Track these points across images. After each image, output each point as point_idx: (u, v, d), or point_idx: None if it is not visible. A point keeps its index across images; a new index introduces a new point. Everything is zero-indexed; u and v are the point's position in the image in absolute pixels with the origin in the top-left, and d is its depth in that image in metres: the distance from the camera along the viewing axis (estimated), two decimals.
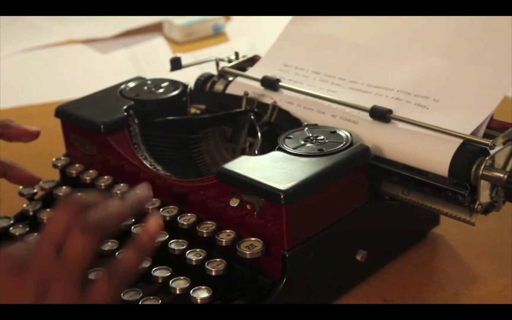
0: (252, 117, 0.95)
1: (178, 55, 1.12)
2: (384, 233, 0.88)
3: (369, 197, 0.85)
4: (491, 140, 0.80)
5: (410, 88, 0.89)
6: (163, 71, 1.12)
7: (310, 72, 0.98)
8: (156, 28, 1.69)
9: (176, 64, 1.07)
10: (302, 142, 0.84)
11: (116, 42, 1.62)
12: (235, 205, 0.79)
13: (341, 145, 0.82)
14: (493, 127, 0.85)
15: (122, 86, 1.02)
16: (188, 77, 1.08)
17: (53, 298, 0.64)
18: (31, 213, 0.92)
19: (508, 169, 0.81)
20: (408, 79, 0.90)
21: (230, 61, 1.07)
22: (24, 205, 0.94)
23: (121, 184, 0.92)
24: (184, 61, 1.08)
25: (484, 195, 0.80)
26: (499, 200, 0.82)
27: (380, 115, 0.87)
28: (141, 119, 0.96)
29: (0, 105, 1.38)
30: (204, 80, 1.05)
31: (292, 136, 0.85)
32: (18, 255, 0.66)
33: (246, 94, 0.97)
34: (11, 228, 0.90)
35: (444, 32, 0.92)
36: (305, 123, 0.90)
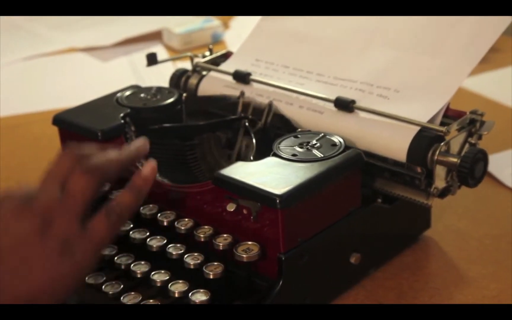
0: (247, 124, 0.97)
1: (178, 63, 1.14)
2: (377, 236, 0.91)
3: (362, 201, 0.87)
4: (445, 127, 0.85)
5: (373, 80, 0.95)
6: (162, 79, 1.15)
7: (280, 66, 1.03)
8: (155, 37, 1.72)
9: (152, 59, 1.12)
10: (296, 148, 0.87)
11: (116, 50, 1.65)
12: (232, 210, 0.81)
13: (335, 150, 0.85)
14: (449, 115, 0.90)
15: (118, 94, 1.04)
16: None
17: (55, 231, 0.69)
18: None
19: (462, 154, 0.86)
20: (371, 71, 0.96)
21: (204, 56, 1.11)
22: None
23: (119, 190, 0.94)
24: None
25: (440, 179, 0.86)
26: (454, 184, 0.87)
27: (344, 105, 0.92)
28: (137, 126, 0.99)
29: (0, 113, 1.39)
30: (179, 75, 1.10)
31: (286, 142, 0.88)
32: (23, 193, 0.72)
33: (241, 96, 1.00)
34: None
35: (404, 27, 0.98)
36: (299, 129, 0.93)
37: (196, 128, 1.00)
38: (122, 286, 0.82)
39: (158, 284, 0.81)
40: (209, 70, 1.08)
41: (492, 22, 0.93)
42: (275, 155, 0.86)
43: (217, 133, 1.01)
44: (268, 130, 0.97)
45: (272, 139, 0.89)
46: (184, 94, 1.04)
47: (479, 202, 1.06)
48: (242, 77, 1.03)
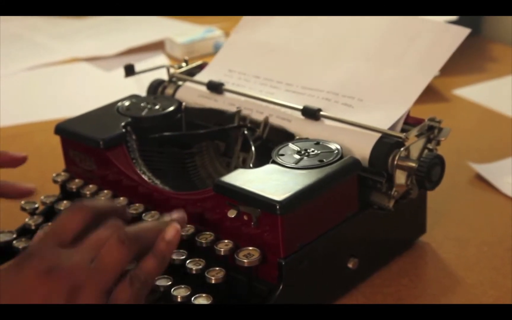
0: (246, 132, 1.01)
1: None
2: (374, 241, 0.94)
3: (360, 207, 0.91)
4: (404, 134, 0.91)
5: (338, 89, 1.01)
6: None
7: (251, 77, 1.10)
8: (158, 46, 1.77)
9: (129, 70, 1.17)
10: (295, 155, 0.90)
11: (119, 60, 1.68)
12: (233, 216, 0.85)
13: (332, 157, 0.89)
14: (410, 123, 0.96)
15: (119, 104, 1.08)
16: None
17: (80, 301, 0.69)
18: (33, 227, 0.97)
19: (420, 159, 0.92)
20: (337, 81, 1.02)
21: (180, 67, 1.17)
22: (26, 219, 0.99)
23: (121, 198, 0.97)
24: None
25: (401, 183, 0.91)
26: (414, 188, 0.93)
27: (311, 113, 0.99)
28: (138, 135, 1.02)
29: (2, 122, 1.42)
30: (156, 85, 1.16)
31: (285, 150, 0.92)
32: (54, 256, 0.70)
33: (238, 110, 1.04)
34: (14, 242, 0.94)
35: (369, 37, 1.04)
36: (297, 137, 0.97)
37: (196, 137, 1.04)
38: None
39: (161, 290, 0.83)
40: (184, 80, 1.15)
41: (451, 33, 1.00)
42: (274, 162, 0.89)
43: (216, 142, 1.05)
44: (265, 142, 1.00)
45: (270, 148, 0.93)
46: (184, 103, 1.08)
47: (477, 210, 1.09)
48: (215, 87, 1.09)
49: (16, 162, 1.00)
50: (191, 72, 1.17)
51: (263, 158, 0.93)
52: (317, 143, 0.93)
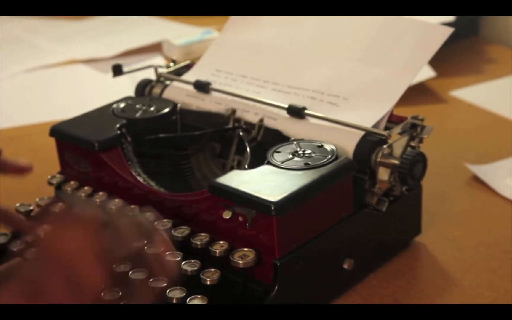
0: (241, 133, 1.02)
1: None
2: (369, 242, 0.95)
3: (355, 208, 0.92)
4: (387, 131, 0.93)
5: (324, 88, 1.03)
6: None
7: (238, 76, 1.11)
8: (155, 48, 1.78)
9: (117, 70, 1.19)
10: (290, 156, 0.91)
11: (117, 62, 1.67)
12: (228, 217, 0.85)
13: (327, 158, 0.90)
14: (394, 121, 0.98)
15: (114, 106, 1.09)
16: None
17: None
18: None
19: (402, 156, 0.94)
20: (322, 80, 1.04)
21: (168, 67, 1.19)
22: None
23: (116, 200, 0.98)
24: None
25: (384, 180, 0.93)
26: (397, 184, 0.95)
27: (296, 112, 1.01)
28: (133, 137, 1.03)
29: (1, 124, 1.43)
30: (144, 85, 1.17)
31: (280, 151, 0.93)
32: (30, 279, 0.69)
33: (233, 113, 1.05)
34: (9, 244, 0.95)
35: (355, 37, 1.06)
36: (292, 138, 0.98)
37: (191, 138, 1.05)
38: (120, 293, 0.84)
39: (156, 291, 0.83)
40: (171, 80, 1.16)
41: (434, 32, 1.01)
42: (269, 163, 0.90)
43: (212, 143, 1.06)
44: (260, 144, 1.01)
45: (265, 149, 0.94)
46: (179, 105, 1.09)
47: (474, 211, 1.10)
48: (202, 87, 1.11)
49: (20, 171, 0.99)
50: (179, 72, 1.19)
51: (258, 159, 0.94)
52: (312, 144, 0.94)
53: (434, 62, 1.53)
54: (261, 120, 1.02)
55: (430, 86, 1.52)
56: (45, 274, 0.70)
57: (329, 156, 0.90)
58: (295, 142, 0.95)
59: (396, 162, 0.93)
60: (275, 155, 0.92)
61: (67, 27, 2.02)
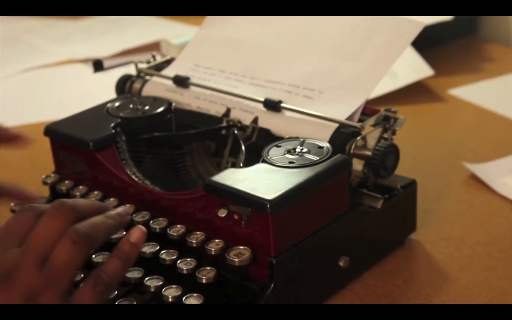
0: (236, 131, 1.03)
1: None
2: (364, 239, 0.96)
3: (350, 205, 0.93)
4: (360, 124, 0.96)
5: (300, 82, 1.06)
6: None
7: (217, 71, 1.14)
8: (153, 48, 1.77)
9: (98, 66, 1.21)
10: (285, 154, 0.92)
11: (114, 62, 1.68)
12: (223, 215, 0.86)
13: (322, 156, 0.91)
14: (368, 113, 1.01)
15: (109, 105, 1.10)
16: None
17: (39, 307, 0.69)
18: None
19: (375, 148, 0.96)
20: (298, 74, 1.07)
21: (148, 62, 1.21)
22: None
23: (111, 199, 0.99)
24: None
25: (358, 172, 0.96)
26: (371, 176, 0.97)
27: (272, 105, 1.03)
28: (128, 136, 1.04)
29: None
30: (124, 80, 1.19)
31: (275, 149, 0.94)
32: (2, 267, 0.70)
33: (227, 114, 1.06)
34: None
35: (331, 34, 1.09)
36: (287, 136, 0.99)
37: (186, 137, 1.06)
38: (116, 292, 0.86)
39: (152, 290, 0.85)
40: (151, 75, 1.19)
41: (406, 27, 1.03)
42: (264, 161, 0.91)
43: (206, 142, 1.07)
44: (255, 141, 1.03)
45: (260, 148, 0.95)
46: (173, 104, 1.10)
47: (472, 210, 1.11)
48: (181, 81, 1.13)
49: (19, 140, 1.01)
50: (159, 67, 1.20)
51: (254, 157, 0.95)
52: (307, 142, 0.95)
53: (432, 60, 1.55)
54: (256, 119, 1.04)
55: (428, 85, 1.53)
56: (18, 261, 0.71)
57: (325, 153, 0.91)
58: (290, 140, 0.96)
59: (369, 153, 0.95)
60: (270, 153, 0.93)
61: (65, 27, 2.03)
